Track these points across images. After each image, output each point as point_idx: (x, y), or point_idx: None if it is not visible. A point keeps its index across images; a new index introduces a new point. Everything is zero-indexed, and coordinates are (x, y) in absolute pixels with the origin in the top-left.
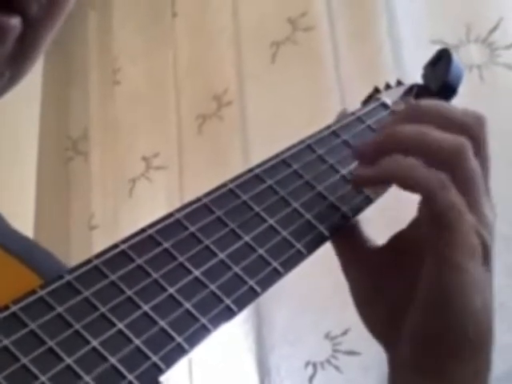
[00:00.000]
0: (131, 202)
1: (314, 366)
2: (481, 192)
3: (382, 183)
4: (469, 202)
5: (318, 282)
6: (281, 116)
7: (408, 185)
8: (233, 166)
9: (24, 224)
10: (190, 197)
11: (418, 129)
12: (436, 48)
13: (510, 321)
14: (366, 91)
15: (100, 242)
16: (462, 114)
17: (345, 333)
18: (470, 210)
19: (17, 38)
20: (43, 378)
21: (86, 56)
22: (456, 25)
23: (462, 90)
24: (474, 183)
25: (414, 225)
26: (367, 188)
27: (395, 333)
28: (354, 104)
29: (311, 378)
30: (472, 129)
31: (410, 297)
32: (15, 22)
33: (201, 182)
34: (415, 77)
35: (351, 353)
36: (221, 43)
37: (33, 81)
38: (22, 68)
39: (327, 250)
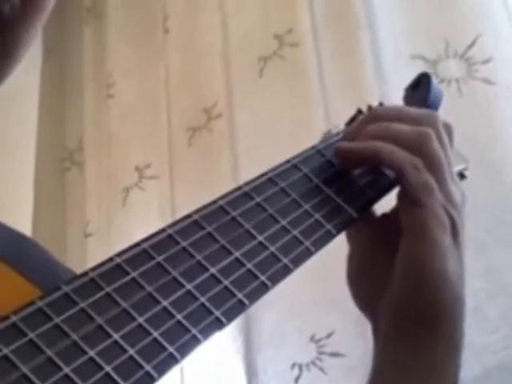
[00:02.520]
0: (125, 210)
1: (300, 367)
2: (447, 173)
3: (362, 158)
4: (437, 181)
5: (303, 288)
6: (268, 128)
7: (385, 161)
8: (222, 177)
9: (22, 231)
10: (180, 205)
11: (383, 124)
12: (416, 63)
13: (485, 323)
14: (350, 104)
15: (95, 249)
16: (416, 111)
17: (329, 336)
18: (440, 190)
19: None
20: None
21: (81, 71)
22: (435, 41)
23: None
24: (440, 164)
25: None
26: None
27: (378, 304)
28: (337, 116)
29: (297, 379)
30: (428, 121)
31: (392, 271)
32: None
33: (191, 191)
34: (396, 90)
35: (335, 355)
36: (210, 58)
37: (30, 94)
38: (1, 68)
39: (312, 258)
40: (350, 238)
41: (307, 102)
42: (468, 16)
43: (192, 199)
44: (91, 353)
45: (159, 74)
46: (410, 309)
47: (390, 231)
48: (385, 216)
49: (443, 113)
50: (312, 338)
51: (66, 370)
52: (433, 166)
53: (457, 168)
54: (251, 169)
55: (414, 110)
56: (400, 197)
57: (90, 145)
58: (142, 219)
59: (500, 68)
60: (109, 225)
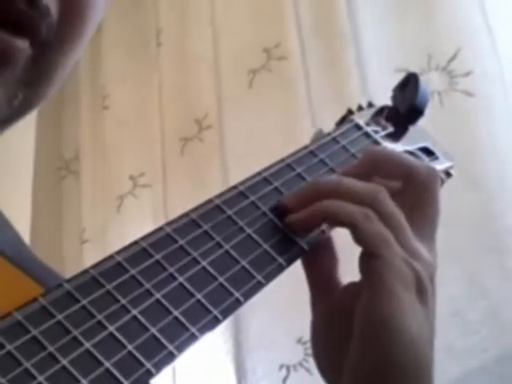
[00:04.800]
0: (119, 217)
1: (288, 368)
2: (406, 230)
3: (313, 224)
4: (395, 235)
5: (291, 291)
6: (257, 138)
7: (336, 220)
8: (212, 185)
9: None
10: (173, 212)
11: (333, 181)
12: (400, 76)
13: (464, 327)
14: (335, 115)
15: (91, 255)
16: (415, 162)
17: None
18: (399, 244)
19: (30, 60)
20: (44, 382)
21: (77, 83)
22: (418, 54)
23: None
24: (395, 219)
25: None
26: (302, 233)
27: (338, 371)
28: (324, 126)
29: (285, 380)
30: (417, 176)
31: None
32: (23, 44)
33: (183, 199)
34: (380, 102)
35: None
36: (202, 71)
37: None
38: (36, 91)
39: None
40: (312, 307)
41: (295, 112)
42: (450, 31)
43: (184, 206)
44: (91, 349)
45: (152, 86)
46: (368, 369)
47: (349, 303)
48: (345, 289)
49: (426, 124)
50: (299, 340)
51: (68, 365)
52: (388, 220)
53: (443, 166)
54: (240, 177)
55: (404, 161)
56: (360, 255)
57: (86, 154)
58: (135, 226)
59: (480, 81)
60: (104, 231)
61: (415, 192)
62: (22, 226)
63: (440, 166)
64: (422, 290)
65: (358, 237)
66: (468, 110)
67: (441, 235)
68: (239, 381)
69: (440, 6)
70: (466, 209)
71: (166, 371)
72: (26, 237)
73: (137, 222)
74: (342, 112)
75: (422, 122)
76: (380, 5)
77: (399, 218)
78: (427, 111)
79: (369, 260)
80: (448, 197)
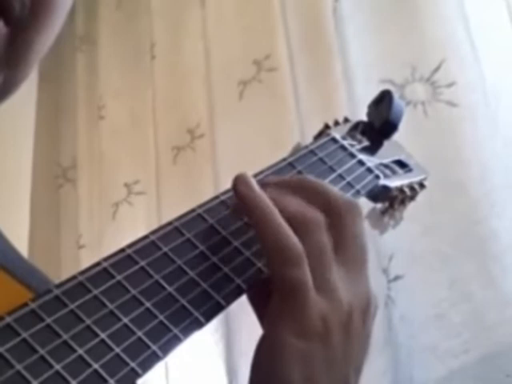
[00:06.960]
0: (115, 223)
1: None
2: (325, 266)
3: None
4: (313, 274)
5: None
6: (247, 147)
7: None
8: (204, 192)
9: (19, 243)
10: (166, 218)
11: (277, 197)
12: (385, 86)
13: (449, 329)
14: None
15: (87, 260)
16: (336, 195)
17: None
18: (314, 284)
19: (6, 40)
20: (35, 383)
21: (74, 94)
22: (402, 66)
23: (408, 124)
24: (319, 256)
25: None
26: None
27: None
28: (312, 135)
29: None
30: (337, 210)
31: None
32: None
33: (176, 206)
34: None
35: None
36: (194, 82)
37: (27, 115)
38: (15, 72)
39: None
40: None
41: (284, 123)
42: (433, 43)
43: (177, 213)
44: (80, 351)
45: (147, 97)
46: None
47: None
48: None
49: (410, 134)
50: None
51: (57, 367)
52: (312, 254)
53: (417, 178)
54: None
55: (334, 195)
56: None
57: (83, 163)
58: (130, 232)
59: (463, 91)
60: (100, 237)
61: (334, 226)
62: (21, 232)
63: (414, 177)
64: (328, 334)
65: (281, 277)
66: (451, 119)
67: (426, 240)
68: (230, 382)
69: (424, 19)
70: (450, 214)
71: (159, 374)
72: (24, 242)
73: (131, 228)
74: (330, 122)
75: (405, 134)
76: (365, 18)
77: (323, 254)
78: (411, 121)
79: (280, 300)
80: (433, 203)
